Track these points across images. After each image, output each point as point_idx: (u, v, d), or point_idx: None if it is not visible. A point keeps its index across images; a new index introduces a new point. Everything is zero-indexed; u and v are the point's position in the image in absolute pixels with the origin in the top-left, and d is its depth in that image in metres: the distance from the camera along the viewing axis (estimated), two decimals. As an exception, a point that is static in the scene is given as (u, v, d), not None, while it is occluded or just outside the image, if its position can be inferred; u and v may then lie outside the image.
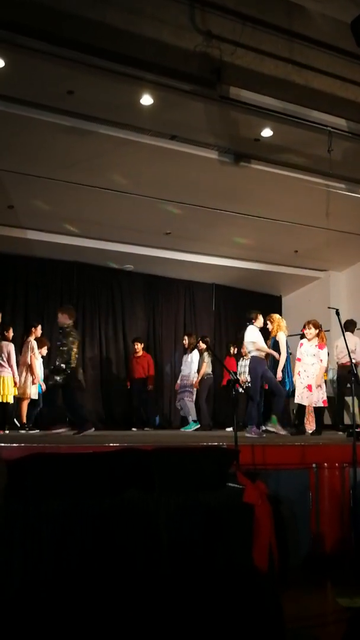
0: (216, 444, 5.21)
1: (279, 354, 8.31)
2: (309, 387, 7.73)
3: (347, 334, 8.12)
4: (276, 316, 8.80)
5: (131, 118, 6.93)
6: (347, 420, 9.24)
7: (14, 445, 4.63)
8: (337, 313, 5.45)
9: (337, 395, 9.33)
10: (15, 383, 8.28)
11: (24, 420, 8.66)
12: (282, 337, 8.45)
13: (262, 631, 2.92)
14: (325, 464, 4.99)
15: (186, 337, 10.41)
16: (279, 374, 8.33)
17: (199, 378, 10.04)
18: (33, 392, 8.74)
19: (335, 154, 7.05)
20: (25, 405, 8.69)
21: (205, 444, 5.38)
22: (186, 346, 10.28)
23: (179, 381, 10.24)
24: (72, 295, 11.35)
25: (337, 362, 9.09)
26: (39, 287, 11.10)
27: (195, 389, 10.04)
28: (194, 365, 10.04)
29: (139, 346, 10.89)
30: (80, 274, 11.46)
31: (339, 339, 8.55)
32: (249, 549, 3.07)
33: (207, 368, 10.11)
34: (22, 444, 4.66)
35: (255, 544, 3.11)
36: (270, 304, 13.40)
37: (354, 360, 8.11)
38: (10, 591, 2.60)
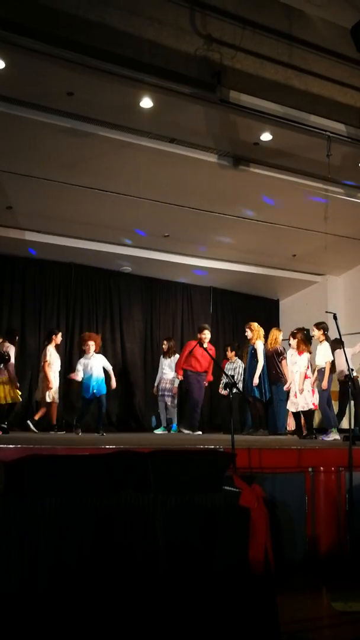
0: (213, 447, 5.21)
1: (257, 361, 8.95)
2: (295, 395, 8.17)
3: (338, 351, 8.32)
4: (255, 325, 9.33)
5: (131, 120, 6.94)
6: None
7: (11, 446, 4.62)
8: (335, 317, 5.47)
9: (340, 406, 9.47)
10: (16, 386, 8.58)
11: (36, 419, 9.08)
12: (260, 346, 9.06)
13: (257, 634, 2.92)
14: (322, 468, 5.00)
15: (165, 342, 10.40)
16: (255, 380, 8.92)
17: None
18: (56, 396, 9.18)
19: (334, 158, 7.06)
20: (54, 408, 9.18)
21: (202, 446, 5.38)
22: (165, 350, 10.26)
23: (158, 384, 10.16)
24: (70, 297, 11.35)
25: (338, 379, 9.19)
26: (37, 288, 11.08)
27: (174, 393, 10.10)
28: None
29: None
30: (77, 275, 11.45)
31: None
32: (245, 552, 3.07)
33: None
34: (19, 445, 4.66)
35: (251, 547, 3.11)
36: (268, 308, 13.43)
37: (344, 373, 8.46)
38: (8, 590, 2.60)
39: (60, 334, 9.47)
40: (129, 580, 2.80)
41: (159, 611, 2.79)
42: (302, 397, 8.08)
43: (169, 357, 10.18)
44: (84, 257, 10.96)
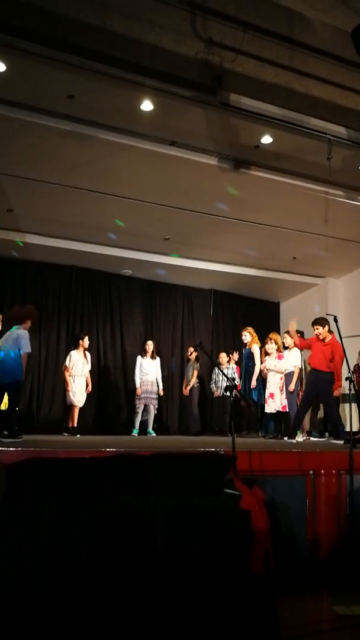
0: (213, 449, 5.21)
1: (254, 364, 9.22)
2: (272, 396, 8.66)
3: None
4: (251, 329, 9.69)
5: (131, 123, 6.95)
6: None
7: (11, 449, 4.63)
8: (336, 320, 5.49)
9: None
10: None
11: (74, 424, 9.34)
12: (256, 349, 9.35)
13: (257, 637, 2.91)
14: (322, 471, 5.00)
15: (151, 343, 10.43)
16: (253, 383, 9.18)
17: (190, 386, 10.48)
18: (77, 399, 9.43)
19: (335, 161, 7.07)
20: (73, 411, 9.44)
21: (202, 449, 5.38)
22: (151, 351, 10.29)
23: (140, 387, 10.16)
24: (70, 300, 11.35)
25: None
26: (37, 291, 11.07)
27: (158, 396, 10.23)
28: (159, 372, 10.25)
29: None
30: (78, 278, 11.45)
31: None
32: (246, 554, 3.07)
33: (196, 377, 10.56)
34: (19, 448, 4.66)
35: (251, 550, 3.10)
36: (269, 310, 13.43)
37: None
38: (8, 590, 2.60)
39: (86, 338, 9.77)
40: (128, 582, 2.80)
41: (158, 613, 2.79)
42: (278, 399, 8.62)
43: (154, 358, 10.20)
44: (84, 259, 10.96)
